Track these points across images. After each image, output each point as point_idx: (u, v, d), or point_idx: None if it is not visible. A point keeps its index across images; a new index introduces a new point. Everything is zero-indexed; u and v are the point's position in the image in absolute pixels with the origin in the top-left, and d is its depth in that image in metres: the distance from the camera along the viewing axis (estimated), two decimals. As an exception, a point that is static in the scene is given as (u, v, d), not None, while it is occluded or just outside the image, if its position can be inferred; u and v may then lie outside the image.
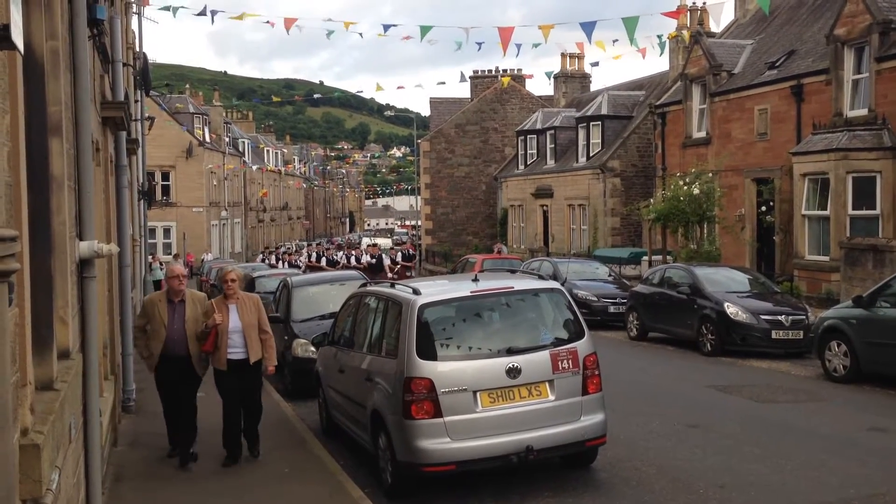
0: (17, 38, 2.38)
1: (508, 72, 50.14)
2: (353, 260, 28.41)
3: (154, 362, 8.62)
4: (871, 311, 12.43)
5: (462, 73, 34.34)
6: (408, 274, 27.15)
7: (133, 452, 9.39)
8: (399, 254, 29.38)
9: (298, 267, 28.81)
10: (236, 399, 8.76)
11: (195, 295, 8.86)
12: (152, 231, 40.38)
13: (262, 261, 34.44)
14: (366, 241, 64.83)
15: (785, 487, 7.61)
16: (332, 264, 28.31)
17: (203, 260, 42.48)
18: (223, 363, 8.61)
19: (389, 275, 25.31)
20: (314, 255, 31.09)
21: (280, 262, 31.79)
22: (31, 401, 3.57)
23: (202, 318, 8.60)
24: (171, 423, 9.02)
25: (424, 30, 18.04)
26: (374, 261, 27.25)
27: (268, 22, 18.99)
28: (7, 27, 2.37)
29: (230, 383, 8.68)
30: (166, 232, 48.92)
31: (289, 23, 17.95)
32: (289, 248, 45.31)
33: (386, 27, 18.43)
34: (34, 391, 3.77)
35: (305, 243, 62.42)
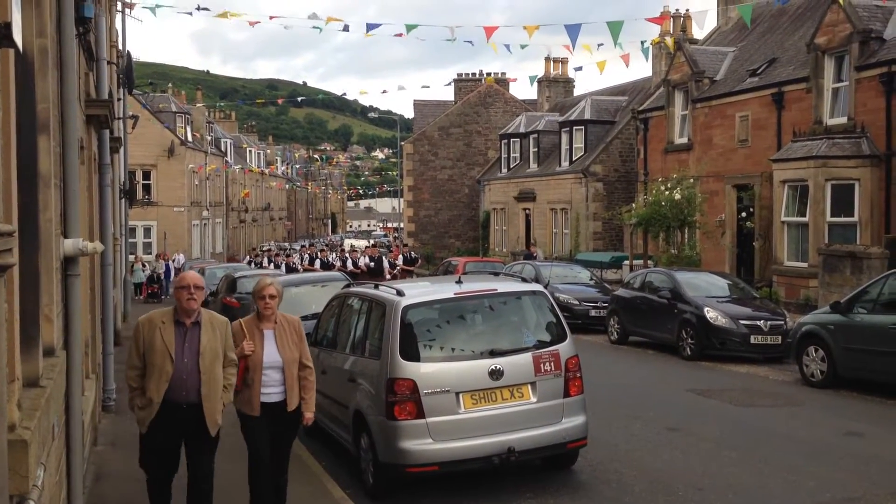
0: (17, 36, 2.41)
1: (492, 75, 50.31)
2: (349, 264, 26.19)
3: (152, 414, 5.96)
4: (849, 316, 12.58)
5: (456, 77, 34.21)
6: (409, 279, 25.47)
7: (113, 452, 9.35)
8: (400, 256, 27.54)
9: (297, 269, 26.08)
10: (266, 450, 6.67)
11: (214, 318, 6.32)
12: (133, 230, 40.01)
13: (249, 263, 31.34)
14: (348, 242, 64.34)
15: (762, 491, 7.70)
16: (328, 267, 25.87)
17: (174, 260, 41.09)
18: (255, 406, 6.53)
19: (388, 278, 23.42)
20: (307, 257, 28.61)
21: (272, 264, 28.38)
22: (18, 396, 3.59)
23: (222, 350, 6.21)
24: None
25: (410, 28, 18.18)
26: (372, 264, 25.34)
27: (251, 23, 18.98)
28: (9, 26, 2.40)
29: (260, 431, 6.60)
30: (147, 231, 48.58)
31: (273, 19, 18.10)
32: (283, 249, 42.09)
33: (370, 26, 18.46)
34: (21, 387, 3.78)
35: (287, 245, 61.91)
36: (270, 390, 6.60)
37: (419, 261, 29.41)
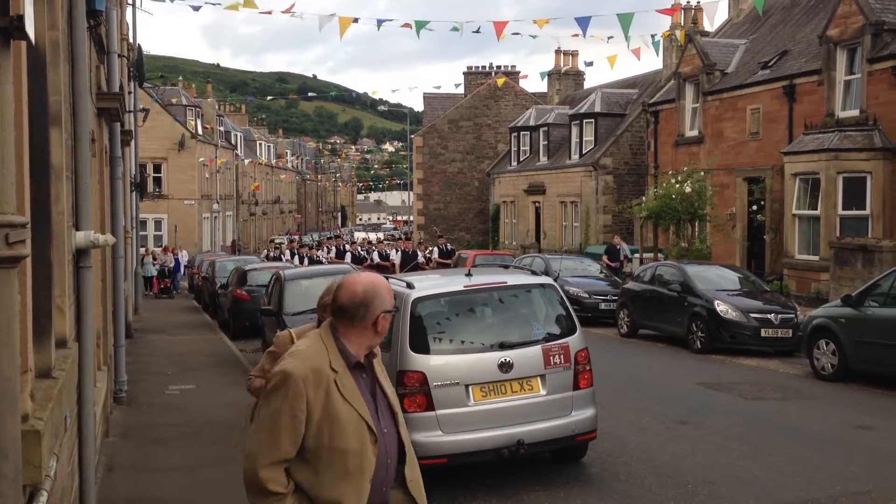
0: (30, 28, 2.43)
1: (502, 69, 50.21)
2: (376, 256, 24.41)
3: None
4: (860, 310, 12.53)
5: (466, 70, 34.12)
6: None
7: (124, 443, 9.41)
8: (435, 249, 26.11)
9: (321, 262, 24.44)
10: None
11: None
12: (143, 223, 40.03)
13: (266, 257, 29.40)
14: (358, 234, 64.14)
15: (772, 483, 7.69)
16: (359, 261, 23.45)
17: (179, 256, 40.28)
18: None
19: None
20: (334, 250, 27.00)
21: (296, 256, 25.79)
22: (31, 387, 3.61)
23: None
24: None
25: (419, 25, 18.06)
26: (399, 258, 23.61)
27: (264, 12, 18.95)
28: (22, 18, 2.42)
29: None
30: (157, 224, 48.75)
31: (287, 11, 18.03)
32: (308, 242, 40.33)
33: (380, 22, 18.40)
34: (34, 378, 3.81)
35: (294, 238, 61.71)
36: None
37: (455, 253, 27.30)
